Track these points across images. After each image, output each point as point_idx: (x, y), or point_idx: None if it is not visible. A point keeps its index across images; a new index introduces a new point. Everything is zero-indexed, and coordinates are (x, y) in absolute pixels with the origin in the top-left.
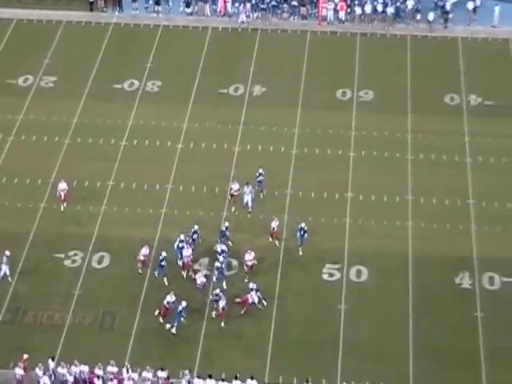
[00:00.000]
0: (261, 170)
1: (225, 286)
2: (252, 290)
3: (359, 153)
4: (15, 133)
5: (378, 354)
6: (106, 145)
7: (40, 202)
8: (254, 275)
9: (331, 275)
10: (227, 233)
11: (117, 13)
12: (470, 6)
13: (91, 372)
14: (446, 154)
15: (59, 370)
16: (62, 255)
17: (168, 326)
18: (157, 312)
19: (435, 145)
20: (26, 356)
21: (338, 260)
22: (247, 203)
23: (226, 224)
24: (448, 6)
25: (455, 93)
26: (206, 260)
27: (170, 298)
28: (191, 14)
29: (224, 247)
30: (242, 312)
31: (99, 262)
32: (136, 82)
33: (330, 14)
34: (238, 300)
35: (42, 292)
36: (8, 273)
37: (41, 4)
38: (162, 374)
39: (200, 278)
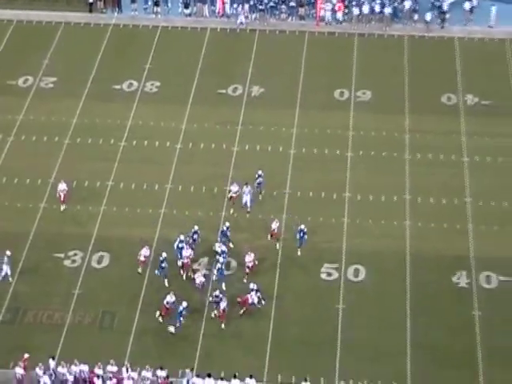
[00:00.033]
0: (260, 172)
1: (224, 287)
2: (252, 290)
3: (357, 153)
4: (15, 133)
5: (376, 352)
6: (105, 145)
7: (40, 201)
8: (252, 275)
9: (329, 275)
10: (228, 233)
11: (116, 14)
12: (467, 6)
13: (91, 371)
14: (443, 153)
15: (59, 369)
16: (62, 255)
17: (171, 329)
18: (158, 314)
19: (432, 144)
20: (26, 355)
21: (335, 259)
22: (246, 203)
23: (227, 224)
24: (445, 7)
25: (452, 93)
26: (205, 260)
27: (170, 298)
28: (190, 14)
29: (224, 248)
30: (241, 312)
31: (99, 262)
32: (135, 83)
33: (328, 14)
34: (238, 300)
35: (42, 292)
36: (9, 273)
37: (40, 5)
38: (162, 374)
39: (199, 278)
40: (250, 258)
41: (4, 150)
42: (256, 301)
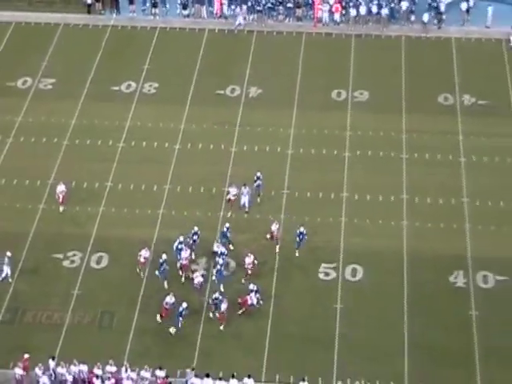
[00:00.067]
0: (259, 174)
1: (222, 289)
2: (252, 291)
3: (354, 153)
4: (14, 134)
5: (374, 352)
6: (104, 146)
7: (39, 202)
8: (252, 276)
9: (327, 274)
10: (228, 234)
11: (114, 15)
12: (464, 6)
13: (90, 371)
14: (440, 153)
15: (58, 369)
16: (61, 255)
17: (172, 330)
18: (158, 317)
19: (429, 144)
20: (26, 356)
21: (333, 259)
22: (244, 204)
23: (227, 225)
24: (442, 7)
25: (449, 93)
26: (203, 260)
27: (170, 299)
28: (188, 16)
29: (224, 249)
30: (240, 312)
31: (98, 263)
32: (133, 84)
33: (325, 15)
34: (239, 301)
35: (41, 292)
36: (9, 273)
37: (39, 7)
38: (160, 374)
39: (197, 278)
40: (249, 260)
41: (3, 151)
42: (255, 302)
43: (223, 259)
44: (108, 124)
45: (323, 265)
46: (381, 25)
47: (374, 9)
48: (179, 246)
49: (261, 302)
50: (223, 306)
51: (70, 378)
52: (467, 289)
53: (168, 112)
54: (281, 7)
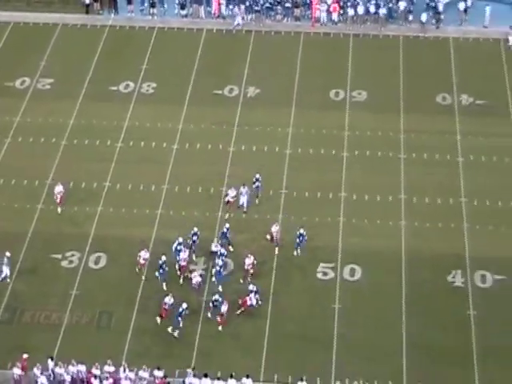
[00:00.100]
0: (258, 176)
1: (220, 289)
2: (251, 291)
3: (352, 153)
4: (12, 134)
5: (372, 352)
6: (102, 146)
7: (37, 202)
8: (252, 276)
9: (325, 274)
10: (228, 234)
11: (112, 15)
12: (462, 6)
13: (88, 372)
14: (438, 153)
15: (57, 369)
16: (59, 256)
17: (175, 333)
18: (158, 319)
19: (427, 144)
20: (25, 356)
21: (331, 259)
22: (243, 204)
23: (227, 225)
24: (440, 7)
25: (447, 93)
26: (201, 259)
27: (169, 299)
28: (186, 16)
29: (223, 250)
30: (238, 312)
31: (96, 263)
32: (131, 84)
33: (323, 15)
34: (240, 302)
35: (40, 292)
36: (8, 274)
37: (37, 7)
38: (159, 374)
39: (196, 278)
40: (249, 261)
41: (1, 151)
42: (254, 302)
43: (222, 260)
44: (106, 124)
45: (321, 264)
46: (379, 24)
47: (372, 8)
48: (178, 247)
49: (260, 302)
50: (223, 308)
51: (68, 378)
52: (465, 288)
53: (166, 112)
54: (279, 7)
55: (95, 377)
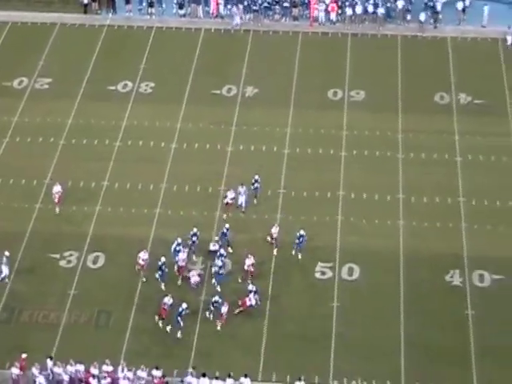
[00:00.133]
0: (256, 177)
1: (219, 288)
2: (251, 291)
3: (351, 152)
4: (10, 134)
5: (370, 351)
6: (100, 145)
7: (35, 202)
8: (252, 276)
9: (323, 274)
10: (228, 235)
11: (110, 15)
12: (460, 6)
13: (87, 371)
14: (436, 152)
15: (55, 369)
16: (58, 255)
17: (177, 333)
18: (156, 318)
19: (425, 144)
20: (24, 355)
21: (330, 258)
22: (241, 204)
23: (227, 226)
24: (439, 7)
25: (445, 92)
26: (199, 259)
27: (168, 300)
28: (184, 15)
29: (223, 251)
30: (237, 311)
31: (94, 262)
32: (130, 84)
33: (322, 15)
34: (239, 303)
35: (38, 292)
36: (7, 273)
37: (35, 6)
38: (157, 373)
39: (194, 277)
40: (250, 262)
41: None
42: (254, 302)
43: (222, 261)
44: (104, 123)
45: (320, 264)
46: (377, 24)
47: (370, 8)
48: (177, 248)
49: (259, 302)
50: (224, 309)
51: (66, 378)
52: (463, 288)
53: (164, 111)
54: (277, 7)
55: (93, 376)
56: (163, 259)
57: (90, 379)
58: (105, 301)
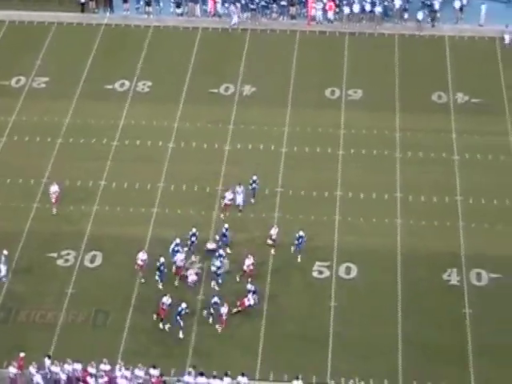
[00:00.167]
0: (255, 178)
1: (217, 288)
2: (249, 291)
3: (348, 151)
4: (8, 133)
5: (368, 350)
6: (97, 145)
7: (33, 201)
8: (249, 277)
9: (321, 273)
10: (227, 234)
11: (108, 14)
12: (457, 4)
13: (84, 370)
14: (433, 151)
15: (52, 368)
16: (55, 254)
17: (179, 333)
18: (155, 317)
19: (423, 143)
20: (22, 355)
21: (327, 257)
22: (239, 203)
23: (226, 226)
24: (436, 6)
25: (443, 91)
26: (197, 258)
27: (167, 300)
28: (181, 14)
29: (222, 252)
30: (234, 311)
31: (92, 261)
32: (127, 83)
33: (319, 13)
34: (238, 303)
35: (35, 291)
36: (5, 273)
37: (32, 5)
38: (154, 372)
39: (191, 276)
40: (249, 262)
41: None
42: (252, 302)
43: (221, 262)
44: (102, 123)
45: (317, 263)
46: (374, 23)
47: (368, 7)
48: (176, 248)
49: (257, 301)
50: (223, 310)
51: (63, 377)
52: (461, 287)
53: (162, 110)
54: (274, 5)
55: (91, 375)
56: (162, 259)
57: (88, 378)
58: (102, 300)
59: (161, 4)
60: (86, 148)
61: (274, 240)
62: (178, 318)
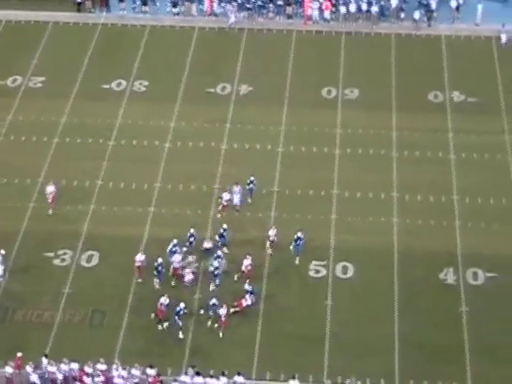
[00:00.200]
0: (252, 178)
1: (212, 286)
2: (247, 292)
3: (345, 150)
4: (4, 133)
5: (364, 349)
6: (94, 144)
7: (29, 201)
8: (246, 277)
9: (317, 272)
10: (225, 235)
11: (104, 13)
12: (453, 4)
13: (81, 370)
14: (430, 150)
15: (49, 368)
16: (52, 254)
17: (179, 334)
18: (153, 315)
19: (419, 142)
20: (19, 354)
21: (324, 257)
22: (236, 203)
23: (225, 226)
24: (433, 5)
25: (439, 90)
26: (194, 258)
27: (165, 300)
28: (178, 13)
29: (220, 253)
30: (232, 311)
31: (88, 261)
32: (124, 82)
33: (315, 13)
34: (235, 304)
35: (32, 291)
36: (1, 273)
37: (29, 5)
38: (151, 372)
39: (188, 275)
40: (247, 262)
41: None
42: (250, 302)
43: (219, 262)
44: (98, 122)
45: (314, 262)
46: (371, 22)
47: (364, 6)
48: (173, 249)
49: (254, 301)
50: (222, 311)
51: (60, 376)
52: (457, 286)
53: (158, 110)
54: (271, 5)
55: (87, 375)
56: (160, 260)
57: (84, 378)
58: (99, 300)
59: (157, 3)
60: (82, 148)
61: (272, 241)
62: (177, 318)
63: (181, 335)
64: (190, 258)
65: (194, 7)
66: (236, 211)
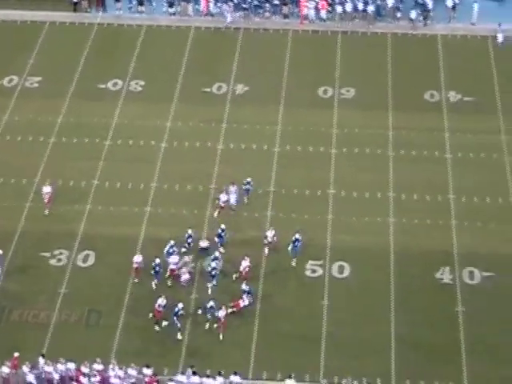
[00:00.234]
0: (249, 179)
1: (209, 285)
2: (244, 292)
3: (341, 150)
4: (0, 133)
5: (360, 349)
6: (90, 144)
7: (25, 201)
8: (247, 278)
9: (314, 271)
10: (223, 236)
11: (100, 13)
12: (449, 3)
13: (77, 369)
14: (426, 150)
15: (46, 368)
16: (48, 254)
17: (180, 336)
18: (151, 315)
19: (416, 141)
20: (16, 354)
21: (320, 256)
22: (232, 203)
23: (223, 226)
24: (430, 5)
25: (435, 90)
26: (190, 258)
27: (162, 301)
28: (174, 13)
29: (217, 254)
30: (229, 311)
31: (84, 261)
32: (120, 82)
33: (312, 12)
34: (232, 305)
35: (28, 291)
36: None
37: (25, 5)
38: (147, 372)
39: (184, 275)
40: (246, 263)
41: None
42: (247, 303)
43: (216, 263)
44: (95, 122)
45: (310, 262)
46: (367, 22)
47: (360, 6)
48: (170, 250)
49: (251, 301)
50: (221, 313)
51: (56, 376)
52: (453, 285)
53: (154, 110)
54: (267, 4)
55: (84, 375)
56: (158, 260)
57: (81, 378)
58: (95, 300)
59: (153, 3)
60: (78, 147)
61: (270, 242)
62: (176, 319)
63: (179, 336)
64: (187, 258)
65: (190, 7)
66: (232, 211)
